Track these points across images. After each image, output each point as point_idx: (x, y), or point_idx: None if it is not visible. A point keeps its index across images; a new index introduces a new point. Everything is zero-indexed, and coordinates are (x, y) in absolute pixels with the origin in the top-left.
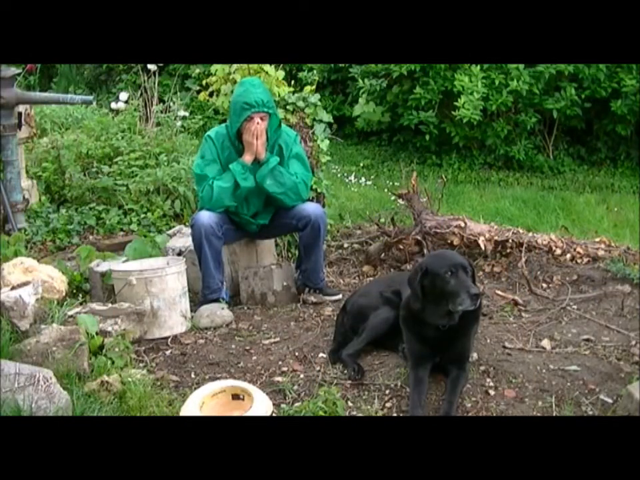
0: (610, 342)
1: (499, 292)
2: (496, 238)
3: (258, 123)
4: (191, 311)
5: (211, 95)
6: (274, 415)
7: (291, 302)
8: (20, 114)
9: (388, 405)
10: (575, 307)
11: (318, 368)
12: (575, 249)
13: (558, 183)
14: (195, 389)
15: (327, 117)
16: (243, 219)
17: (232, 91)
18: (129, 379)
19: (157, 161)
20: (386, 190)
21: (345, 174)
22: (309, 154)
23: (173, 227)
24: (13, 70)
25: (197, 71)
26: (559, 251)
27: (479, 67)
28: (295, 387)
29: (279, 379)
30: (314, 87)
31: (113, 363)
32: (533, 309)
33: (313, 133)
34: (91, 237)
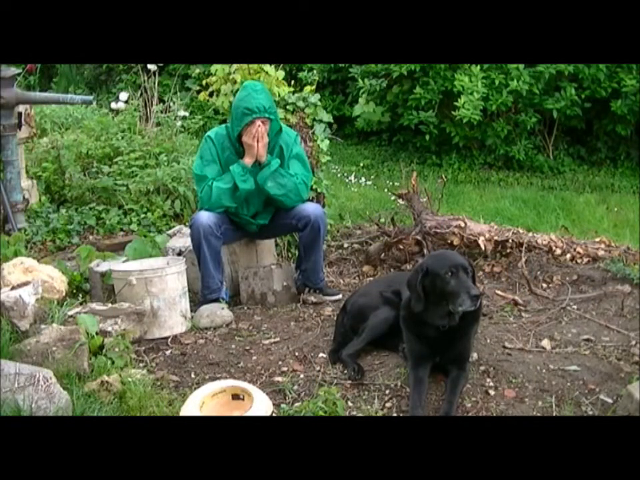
0: (610, 342)
1: (499, 292)
2: (496, 238)
3: (259, 126)
4: (191, 310)
5: (210, 95)
6: (274, 414)
7: (290, 302)
8: (20, 114)
9: (388, 405)
10: (575, 306)
11: (318, 368)
12: (575, 249)
13: (558, 183)
14: (195, 389)
15: (327, 117)
16: (242, 219)
17: (232, 91)
18: (129, 379)
19: (156, 161)
20: (386, 190)
21: (345, 174)
22: (309, 154)
23: (173, 226)
24: (13, 70)
25: (197, 70)
26: (558, 251)
27: (478, 67)
28: (295, 387)
29: (279, 378)
30: (314, 86)
31: (112, 363)
32: (533, 309)
33: (313, 133)
34: (91, 237)
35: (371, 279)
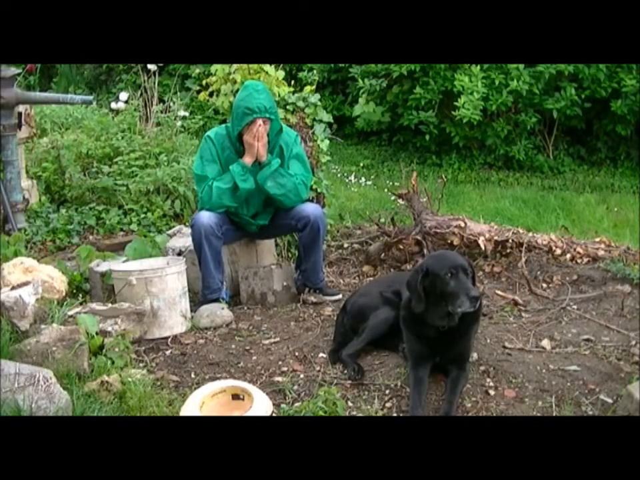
0: (610, 342)
1: (499, 292)
2: (496, 238)
3: (260, 125)
4: (191, 310)
5: (210, 95)
6: (274, 414)
7: (291, 302)
8: (20, 114)
9: (388, 405)
10: (575, 306)
11: (318, 368)
12: (575, 249)
13: (558, 183)
14: (195, 389)
15: (327, 117)
16: (242, 219)
17: (232, 91)
18: (129, 379)
19: (157, 161)
20: (386, 190)
21: (345, 174)
22: (309, 154)
23: (173, 226)
24: (13, 70)
25: (197, 70)
26: (558, 251)
27: (478, 67)
28: (295, 387)
29: (279, 378)
30: (314, 87)
31: (112, 363)
32: (533, 309)
33: (313, 133)
34: (91, 237)
35: (371, 279)
